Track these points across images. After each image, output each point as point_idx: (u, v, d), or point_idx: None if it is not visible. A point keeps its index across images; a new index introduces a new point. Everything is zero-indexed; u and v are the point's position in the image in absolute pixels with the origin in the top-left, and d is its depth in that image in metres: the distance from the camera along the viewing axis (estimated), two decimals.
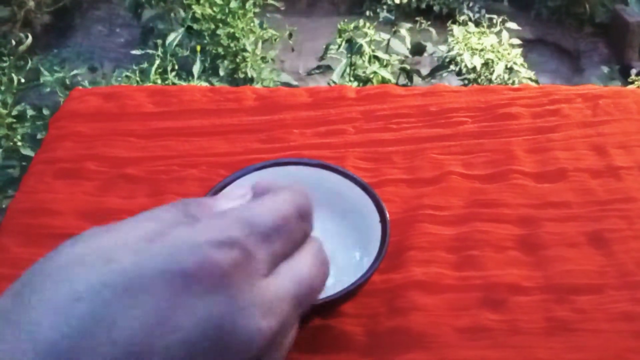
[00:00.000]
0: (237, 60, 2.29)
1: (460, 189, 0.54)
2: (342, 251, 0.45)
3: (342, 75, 2.13)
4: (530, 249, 0.49)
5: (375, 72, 2.13)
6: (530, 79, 2.22)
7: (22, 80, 2.17)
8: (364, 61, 2.16)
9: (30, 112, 2.04)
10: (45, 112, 2.04)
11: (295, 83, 2.40)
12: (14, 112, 2.01)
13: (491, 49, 2.21)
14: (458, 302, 0.45)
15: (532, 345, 0.42)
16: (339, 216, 0.47)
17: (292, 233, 0.27)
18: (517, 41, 2.34)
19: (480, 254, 0.48)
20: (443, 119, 0.62)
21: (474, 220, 0.51)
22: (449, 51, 2.25)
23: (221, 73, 2.24)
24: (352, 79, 2.15)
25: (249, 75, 2.27)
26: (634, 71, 2.46)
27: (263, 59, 2.36)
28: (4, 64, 2.23)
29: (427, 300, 0.45)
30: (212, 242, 0.23)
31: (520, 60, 2.24)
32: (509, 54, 2.22)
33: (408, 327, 0.43)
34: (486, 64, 2.20)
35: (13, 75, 2.14)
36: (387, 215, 0.44)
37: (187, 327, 0.22)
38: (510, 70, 2.20)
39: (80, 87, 0.69)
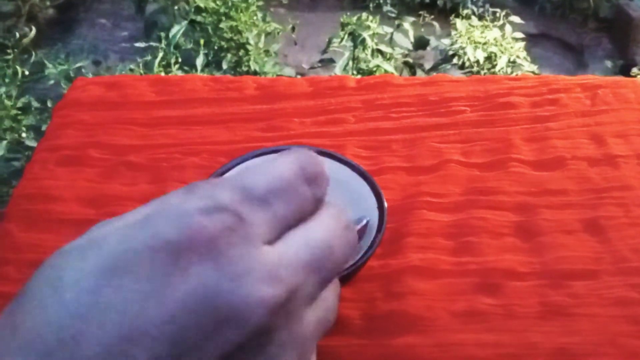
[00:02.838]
0: (240, 53, 2.29)
1: (458, 176, 0.55)
2: None
3: (345, 69, 2.13)
4: (527, 236, 0.49)
5: (378, 66, 2.13)
6: (533, 72, 2.22)
7: (27, 73, 2.18)
8: (366, 54, 2.16)
9: (34, 104, 2.06)
10: (50, 104, 2.06)
11: (298, 77, 2.41)
12: (19, 104, 2.02)
13: (494, 42, 2.21)
14: (454, 287, 0.46)
15: (527, 329, 0.43)
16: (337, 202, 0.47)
17: (297, 196, 0.25)
18: (520, 35, 2.33)
19: (477, 240, 0.49)
20: (442, 108, 0.62)
21: (472, 207, 0.52)
22: (452, 44, 2.25)
23: (224, 66, 2.25)
24: (354, 72, 2.15)
25: (252, 68, 2.28)
26: (635, 70, 2.45)
27: (266, 52, 2.36)
28: (8, 57, 2.24)
29: (424, 285, 0.45)
30: (200, 209, 0.22)
31: (523, 54, 2.24)
32: (512, 47, 2.22)
33: (404, 311, 0.44)
34: (489, 58, 2.20)
35: (17, 67, 2.15)
36: (385, 202, 0.45)
37: (175, 304, 0.21)
38: (513, 63, 2.20)
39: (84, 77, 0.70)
